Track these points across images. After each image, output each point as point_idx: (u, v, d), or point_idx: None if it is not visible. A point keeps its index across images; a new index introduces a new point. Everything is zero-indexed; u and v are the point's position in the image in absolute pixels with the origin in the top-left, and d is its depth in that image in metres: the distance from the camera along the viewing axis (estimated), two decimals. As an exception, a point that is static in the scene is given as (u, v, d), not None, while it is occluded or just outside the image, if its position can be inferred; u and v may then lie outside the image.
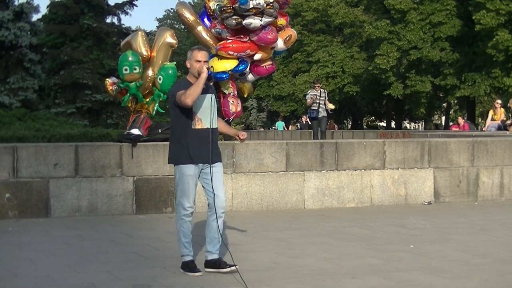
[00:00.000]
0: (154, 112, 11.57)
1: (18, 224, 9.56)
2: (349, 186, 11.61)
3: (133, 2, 32.32)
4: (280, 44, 12.71)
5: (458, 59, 39.17)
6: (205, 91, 6.51)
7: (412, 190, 12.01)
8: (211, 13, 12.56)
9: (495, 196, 12.62)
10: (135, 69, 11.18)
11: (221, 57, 12.38)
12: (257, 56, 12.52)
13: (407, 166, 11.98)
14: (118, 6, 32.42)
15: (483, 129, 22.87)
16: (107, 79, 11.65)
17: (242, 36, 12.22)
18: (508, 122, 20.62)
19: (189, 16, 12.66)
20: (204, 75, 6.38)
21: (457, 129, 24.95)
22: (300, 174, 11.32)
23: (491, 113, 22.36)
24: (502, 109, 22.12)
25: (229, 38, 12.27)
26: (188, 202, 6.60)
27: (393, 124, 55.54)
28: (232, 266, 6.54)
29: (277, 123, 48.23)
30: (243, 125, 54.44)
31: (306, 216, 10.52)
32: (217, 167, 6.68)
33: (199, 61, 6.50)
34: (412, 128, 73.58)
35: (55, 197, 10.13)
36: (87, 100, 28.16)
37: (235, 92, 12.94)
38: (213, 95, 6.68)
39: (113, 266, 6.94)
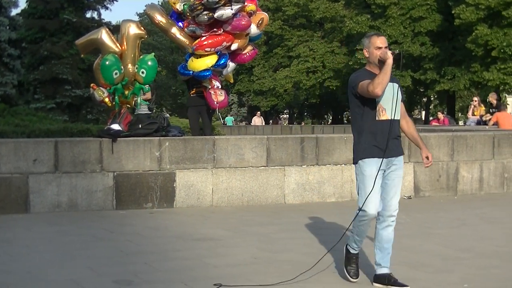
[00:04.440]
0: (139, 106, 11.50)
1: (-3, 220, 9.49)
2: (330, 180, 11.62)
3: (114, -3, 32.14)
4: (253, 29, 12.74)
5: (438, 53, 39.36)
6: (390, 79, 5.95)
7: (393, 185, 12.01)
8: (179, 13, 12.51)
9: (474, 190, 12.69)
10: (121, 69, 11.15)
11: (199, 56, 12.33)
12: (234, 46, 12.52)
13: (387, 160, 11.98)
14: (98, 1, 32.20)
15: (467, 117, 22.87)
16: (101, 94, 11.28)
17: (216, 30, 12.20)
18: (488, 116, 20.61)
19: (161, 18, 12.53)
20: (390, 61, 5.75)
21: (437, 123, 24.96)
22: (281, 169, 11.31)
23: (471, 110, 22.43)
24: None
25: (203, 34, 12.22)
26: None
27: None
28: (405, 286, 5.98)
29: (226, 118, 48.50)
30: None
31: (286, 211, 10.53)
32: (398, 165, 6.34)
33: (380, 48, 5.88)
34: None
35: (34, 193, 10.05)
36: (67, 95, 27.96)
37: (219, 84, 12.91)
38: (397, 84, 6.20)
39: (94, 261, 6.91)
